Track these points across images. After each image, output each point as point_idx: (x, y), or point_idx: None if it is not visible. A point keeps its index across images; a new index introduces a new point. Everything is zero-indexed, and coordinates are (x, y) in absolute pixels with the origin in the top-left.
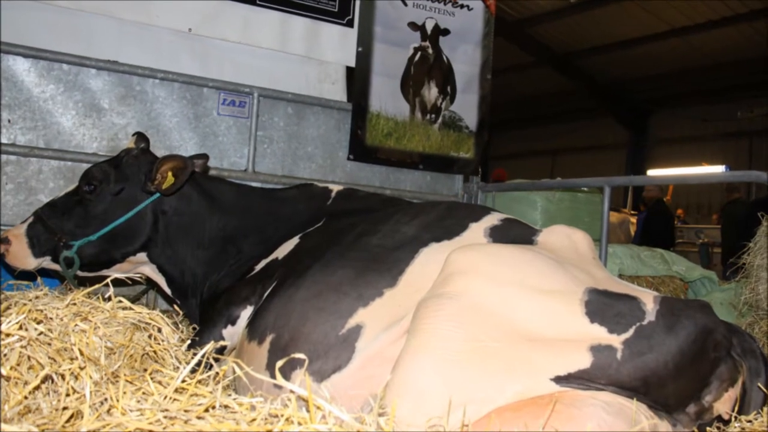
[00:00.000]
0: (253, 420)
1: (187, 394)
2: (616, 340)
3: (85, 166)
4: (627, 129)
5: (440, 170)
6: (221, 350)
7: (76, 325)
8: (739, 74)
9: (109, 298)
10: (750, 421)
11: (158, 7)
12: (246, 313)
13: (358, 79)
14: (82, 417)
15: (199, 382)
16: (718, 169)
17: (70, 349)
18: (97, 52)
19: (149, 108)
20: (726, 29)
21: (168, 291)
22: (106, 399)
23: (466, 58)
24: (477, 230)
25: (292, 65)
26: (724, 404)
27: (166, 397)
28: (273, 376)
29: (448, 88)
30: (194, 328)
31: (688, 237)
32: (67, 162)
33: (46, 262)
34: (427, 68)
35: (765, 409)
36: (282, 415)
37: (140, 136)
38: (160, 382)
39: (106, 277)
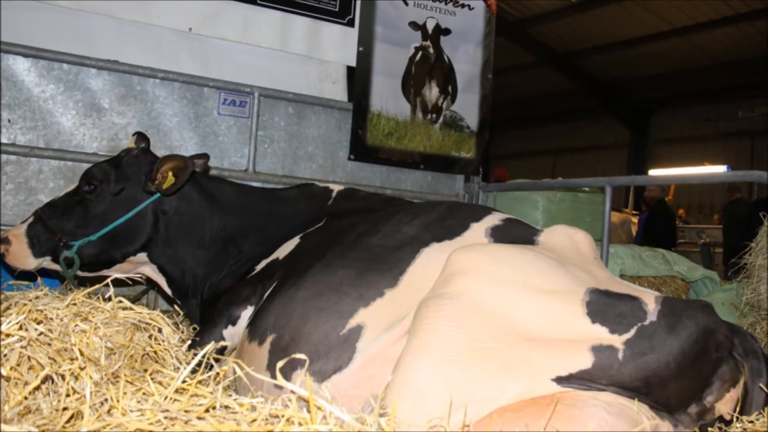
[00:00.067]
0: (254, 420)
1: (187, 394)
2: (618, 341)
3: (86, 166)
4: (628, 129)
5: (441, 170)
6: (222, 350)
7: (76, 325)
8: (740, 74)
9: (110, 299)
10: (752, 422)
11: (158, 6)
12: (246, 313)
13: (358, 78)
14: (83, 417)
15: (200, 382)
16: (720, 169)
17: (71, 349)
18: (98, 51)
19: (149, 108)
20: (727, 29)
21: (168, 291)
22: (106, 399)
23: (467, 58)
24: (478, 230)
25: (293, 65)
26: (725, 405)
27: (166, 398)
28: (273, 377)
29: (449, 88)
30: (195, 329)
31: (689, 237)
32: (68, 162)
33: (47, 262)
34: (428, 68)
35: (767, 409)
36: (283, 416)
37: (140, 136)
38: (160, 383)
39: (107, 277)
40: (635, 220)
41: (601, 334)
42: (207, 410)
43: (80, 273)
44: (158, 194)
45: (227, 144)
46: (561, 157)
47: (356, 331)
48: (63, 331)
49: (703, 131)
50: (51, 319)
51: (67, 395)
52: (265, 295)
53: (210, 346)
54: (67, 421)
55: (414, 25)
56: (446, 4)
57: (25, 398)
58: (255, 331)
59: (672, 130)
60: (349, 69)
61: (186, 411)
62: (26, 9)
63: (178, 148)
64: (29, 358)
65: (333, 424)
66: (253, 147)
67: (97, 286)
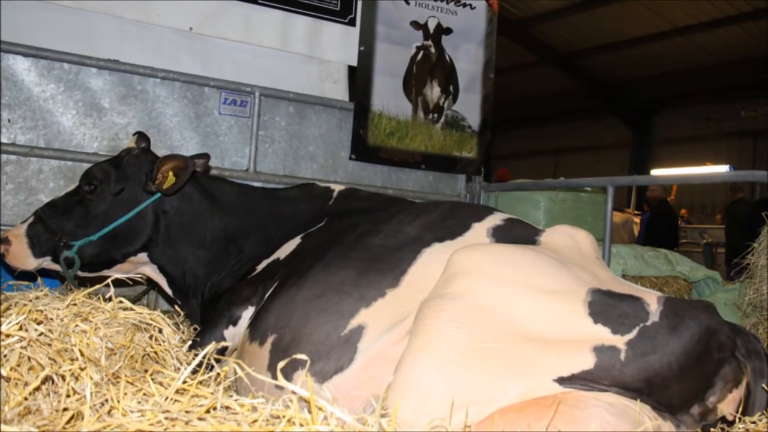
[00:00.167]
0: (255, 421)
1: (188, 395)
2: (620, 341)
3: (86, 165)
4: (630, 128)
5: (443, 170)
6: (223, 351)
7: (76, 325)
8: (743, 73)
9: (110, 299)
10: (754, 422)
11: (159, 6)
12: (247, 313)
13: (360, 78)
14: (83, 418)
15: (201, 383)
16: (722, 168)
17: (71, 349)
18: (98, 51)
19: (150, 107)
20: (730, 28)
21: (169, 291)
22: (106, 400)
23: (468, 57)
24: (480, 230)
25: (294, 64)
26: (728, 405)
27: (167, 398)
28: (274, 377)
29: (451, 88)
30: (195, 329)
31: (691, 237)
32: (68, 162)
33: (47, 263)
34: (430, 67)
35: None
36: (284, 416)
37: (141, 136)
38: (161, 383)
39: (107, 277)
40: (637, 220)
41: (603, 334)
42: (208, 411)
43: (80, 273)
44: (159, 194)
45: (228, 144)
46: (563, 156)
47: (357, 331)
48: (63, 331)
49: (705, 131)
50: (51, 319)
51: (68, 396)
52: (266, 295)
53: (211, 347)
54: (68, 422)
55: (415, 24)
56: (448, 3)
57: (26, 399)
58: (256, 332)
59: (674, 129)
60: (351, 68)
61: (187, 412)
62: (27, 8)
63: (178, 148)
64: (29, 358)
65: (334, 424)
66: (254, 147)
67: (97, 287)
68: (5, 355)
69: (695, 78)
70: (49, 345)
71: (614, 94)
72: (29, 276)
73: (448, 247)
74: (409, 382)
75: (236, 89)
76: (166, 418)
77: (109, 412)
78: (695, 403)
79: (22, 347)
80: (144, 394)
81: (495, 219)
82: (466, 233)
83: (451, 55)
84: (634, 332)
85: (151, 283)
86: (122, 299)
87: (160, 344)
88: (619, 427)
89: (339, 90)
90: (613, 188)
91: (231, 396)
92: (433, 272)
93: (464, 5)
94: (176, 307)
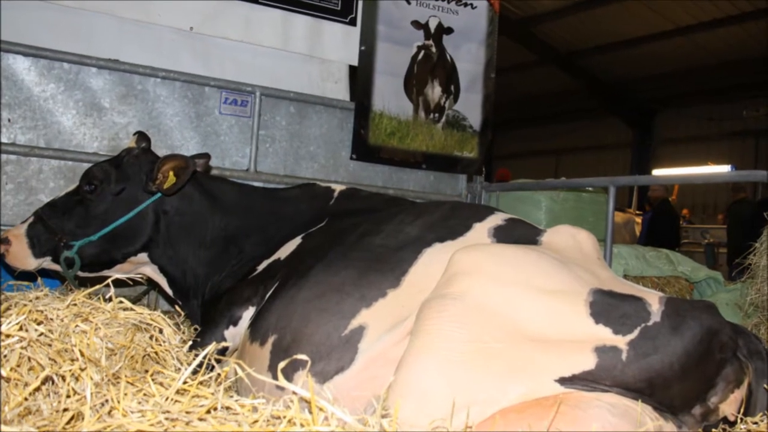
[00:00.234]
0: (255, 422)
1: (188, 395)
2: (621, 341)
3: (86, 165)
4: (632, 128)
5: (444, 170)
6: (223, 351)
7: (76, 326)
8: (744, 73)
9: (110, 299)
10: (756, 423)
11: (159, 5)
12: (248, 313)
13: (360, 78)
14: (83, 419)
15: (201, 383)
16: (724, 168)
17: (71, 350)
18: (98, 50)
19: (150, 107)
20: (731, 28)
21: (169, 292)
22: (107, 400)
23: (469, 57)
24: (481, 230)
25: (295, 64)
26: (729, 406)
27: (167, 399)
28: (275, 378)
29: (452, 87)
30: (196, 329)
31: (693, 237)
32: (68, 161)
33: (47, 263)
34: (431, 67)
35: None
36: (284, 417)
37: (141, 136)
38: (161, 384)
39: (107, 277)
40: (639, 220)
41: (604, 334)
42: (208, 411)
43: (81, 273)
44: (159, 194)
45: (228, 143)
46: (564, 156)
47: (358, 331)
48: (63, 331)
49: (707, 131)
50: (51, 319)
51: (68, 396)
52: (267, 295)
53: (211, 347)
54: (68, 423)
55: (416, 24)
56: (449, 2)
57: (26, 399)
58: (256, 332)
59: (676, 129)
60: (351, 68)
61: (187, 412)
62: (27, 8)
63: (179, 148)
64: (29, 358)
65: (335, 425)
66: (255, 146)
67: (97, 287)
68: (5, 356)
69: (697, 78)
70: (50, 345)
71: (615, 93)
72: (29, 276)
73: (449, 247)
74: (410, 382)
75: (237, 89)
76: (166, 419)
77: (109, 412)
78: (697, 404)
79: (22, 347)
80: (144, 395)
81: (496, 219)
82: (467, 233)
83: (452, 54)
84: (636, 332)
85: (151, 284)
86: (122, 299)
87: (160, 344)
88: (621, 427)
89: (340, 90)
90: (615, 188)
91: (231, 396)
92: (434, 272)
93: (465, 5)
94: (177, 308)
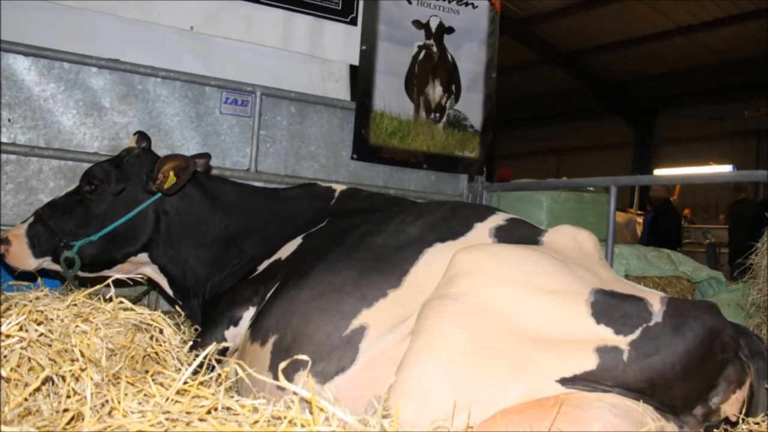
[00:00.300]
0: (256, 422)
1: (189, 395)
2: (623, 342)
3: (86, 165)
4: (633, 128)
5: (445, 170)
6: (224, 351)
7: (76, 326)
8: (746, 73)
9: (110, 299)
10: (757, 423)
11: (160, 5)
12: (248, 314)
13: (361, 77)
14: (83, 419)
15: (201, 383)
16: (726, 168)
17: (71, 350)
18: (99, 50)
19: (151, 107)
20: (733, 27)
21: (170, 292)
22: (107, 401)
23: (471, 57)
24: (482, 230)
25: (295, 64)
26: (731, 406)
27: (167, 399)
28: (276, 378)
29: (453, 87)
30: (196, 329)
31: (695, 237)
32: (68, 161)
33: (47, 263)
34: (432, 67)
35: None
36: (285, 417)
37: (142, 136)
38: (161, 384)
39: (108, 277)
40: (640, 220)
41: (605, 335)
42: (209, 412)
43: (81, 273)
44: (159, 194)
45: (229, 143)
46: (565, 156)
47: (359, 332)
48: (63, 332)
49: (708, 130)
50: (51, 319)
51: (68, 397)
52: (268, 295)
53: (212, 347)
54: (68, 423)
55: (417, 23)
56: (450, 2)
57: (26, 400)
58: (257, 332)
59: (677, 129)
60: (352, 68)
61: (187, 412)
62: (27, 8)
63: (179, 148)
64: (29, 359)
65: (336, 425)
66: (255, 146)
67: (97, 287)
68: (5, 356)
69: (698, 77)
70: (50, 345)
71: (617, 93)
72: (29, 276)
73: (450, 248)
74: (411, 382)
75: (237, 89)
76: (166, 419)
77: (109, 413)
78: (698, 404)
79: (22, 348)
80: (145, 395)
81: (497, 219)
82: (468, 233)
83: (453, 54)
84: (637, 333)
85: (151, 284)
86: (123, 300)
87: (160, 345)
88: (622, 427)
89: (341, 89)
90: (616, 188)
91: (232, 397)
92: (435, 272)
93: (466, 4)
94: (177, 308)
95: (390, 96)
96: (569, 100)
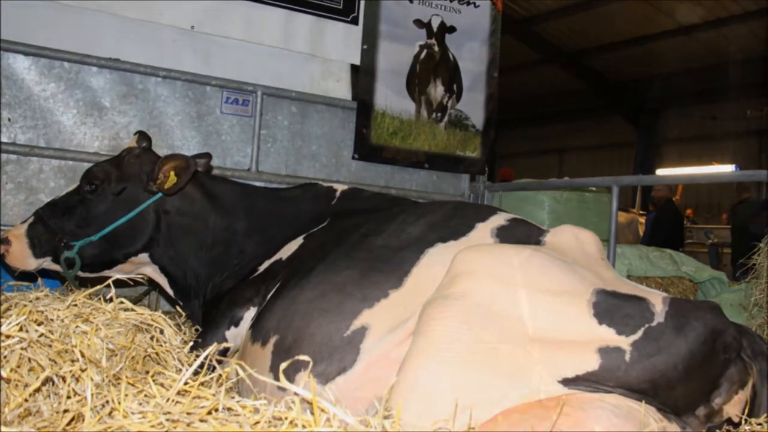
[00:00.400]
0: (257, 423)
1: (189, 396)
2: (625, 342)
3: (86, 165)
4: (635, 128)
5: (446, 169)
6: (224, 352)
7: (77, 326)
8: (748, 72)
9: (111, 300)
10: (760, 424)
11: (161, 4)
12: (249, 314)
13: (363, 77)
14: (84, 420)
15: (202, 384)
16: (728, 168)
17: (71, 350)
18: (100, 50)
19: (151, 106)
20: (736, 27)
21: (170, 292)
22: (107, 401)
23: (472, 56)
24: (483, 230)
25: (296, 63)
26: (733, 407)
27: (168, 400)
28: (277, 378)
29: (455, 87)
30: (197, 330)
31: (697, 237)
32: (68, 161)
33: (47, 263)
34: (433, 66)
35: None
36: (286, 418)
37: (142, 135)
38: (162, 385)
39: (108, 278)
40: (642, 220)
41: (608, 335)
42: (209, 412)
43: (81, 273)
44: (160, 194)
45: (230, 143)
46: (567, 156)
47: (360, 332)
48: (64, 332)
49: (710, 130)
50: (51, 320)
51: (68, 397)
52: (268, 295)
53: (212, 348)
54: (68, 424)
55: (419, 22)
56: (451, 1)
57: (26, 400)
58: (258, 333)
59: (679, 129)
60: (353, 67)
61: (188, 413)
62: (27, 7)
63: (180, 148)
64: (30, 359)
65: (337, 426)
66: (256, 146)
67: (98, 287)
68: (5, 357)
69: (700, 77)
70: (50, 346)
71: (619, 93)
72: (29, 276)
73: (451, 248)
74: (412, 383)
75: (238, 88)
76: (167, 420)
77: (110, 413)
78: (701, 405)
79: (22, 348)
80: (145, 396)
81: (499, 219)
82: (469, 233)
83: (454, 53)
84: (639, 333)
85: (152, 284)
86: (123, 300)
87: (161, 345)
88: (624, 428)
89: (342, 89)
90: (618, 188)
91: (233, 397)
92: (437, 273)
93: (468, 3)
94: (178, 308)
95: (391, 96)
96: (571, 99)
